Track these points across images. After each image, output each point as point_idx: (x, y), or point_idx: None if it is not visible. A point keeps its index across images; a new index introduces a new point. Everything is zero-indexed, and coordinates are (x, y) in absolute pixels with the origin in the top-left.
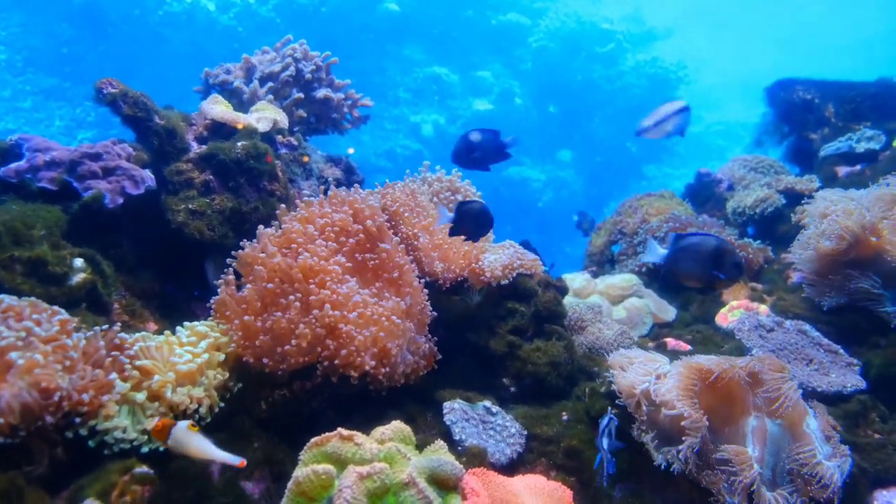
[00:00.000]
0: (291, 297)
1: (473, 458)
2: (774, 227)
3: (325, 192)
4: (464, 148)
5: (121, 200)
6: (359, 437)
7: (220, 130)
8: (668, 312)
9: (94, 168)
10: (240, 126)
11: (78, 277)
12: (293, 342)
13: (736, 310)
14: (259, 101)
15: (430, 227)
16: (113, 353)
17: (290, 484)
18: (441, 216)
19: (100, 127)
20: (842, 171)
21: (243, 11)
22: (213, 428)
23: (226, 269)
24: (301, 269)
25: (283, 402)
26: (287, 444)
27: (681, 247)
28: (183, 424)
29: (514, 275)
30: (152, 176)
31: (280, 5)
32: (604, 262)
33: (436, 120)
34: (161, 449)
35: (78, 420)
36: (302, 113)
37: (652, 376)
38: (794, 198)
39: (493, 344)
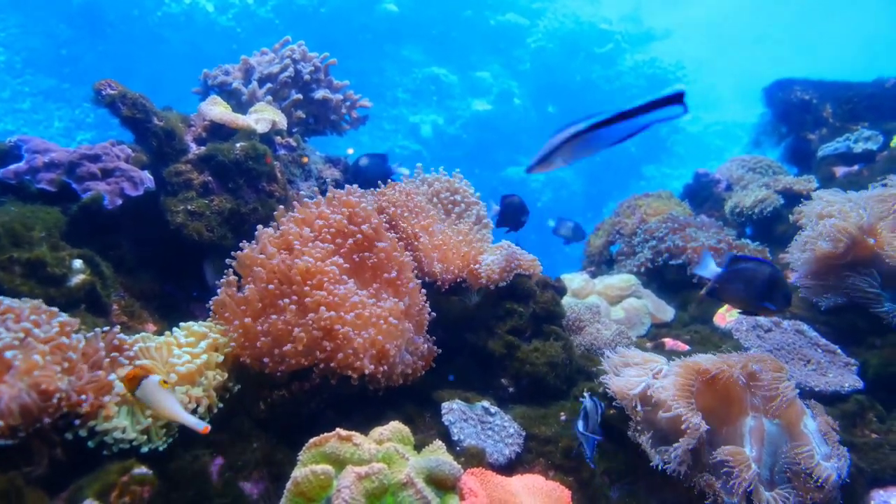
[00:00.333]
0: (286, 300)
1: (472, 458)
2: (772, 227)
3: (323, 193)
4: (353, 172)
5: (120, 202)
6: (357, 437)
7: (219, 132)
8: (667, 313)
9: (93, 169)
10: (239, 127)
11: (77, 278)
12: (289, 346)
13: (734, 310)
14: (258, 102)
15: (428, 228)
16: (112, 354)
17: (288, 484)
18: (489, 210)
19: (99, 128)
20: (839, 171)
21: (242, 12)
22: (213, 428)
23: (226, 271)
24: (298, 271)
25: (281, 403)
26: (286, 445)
27: (736, 269)
28: (155, 378)
29: (513, 275)
30: (151, 177)
31: (279, 6)
32: (602, 263)
33: (434, 120)
34: (160, 449)
35: (77, 421)
36: (301, 114)
37: (647, 377)
38: (793, 198)
39: (491, 344)
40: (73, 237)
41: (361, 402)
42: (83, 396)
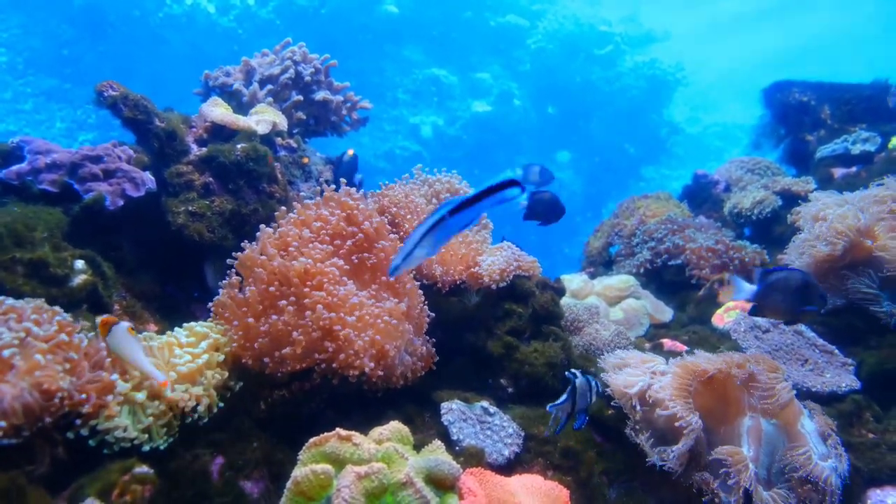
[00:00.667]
0: (284, 302)
1: (471, 457)
2: (771, 228)
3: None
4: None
5: (121, 202)
6: (357, 437)
7: (220, 133)
8: (665, 313)
9: (94, 170)
10: (240, 128)
11: (79, 279)
12: (287, 349)
13: (732, 310)
14: (258, 103)
15: None
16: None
17: (288, 483)
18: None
19: (100, 129)
20: (838, 172)
21: (243, 13)
22: (213, 428)
23: (227, 272)
24: (296, 272)
25: (282, 403)
26: (286, 444)
27: (770, 283)
28: (124, 324)
29: (512, 276)
30: (152, 178)
31: (280, 7)
32: (601, 264)
33: (435, 121)
34: (161, 448)
35: (79, 420)
36: (301, 115)
37: (646, 376)
38: (791, 199)
39: (490, 345)
40: (75, 238)
41: (361, 402)
42: (84, 396)
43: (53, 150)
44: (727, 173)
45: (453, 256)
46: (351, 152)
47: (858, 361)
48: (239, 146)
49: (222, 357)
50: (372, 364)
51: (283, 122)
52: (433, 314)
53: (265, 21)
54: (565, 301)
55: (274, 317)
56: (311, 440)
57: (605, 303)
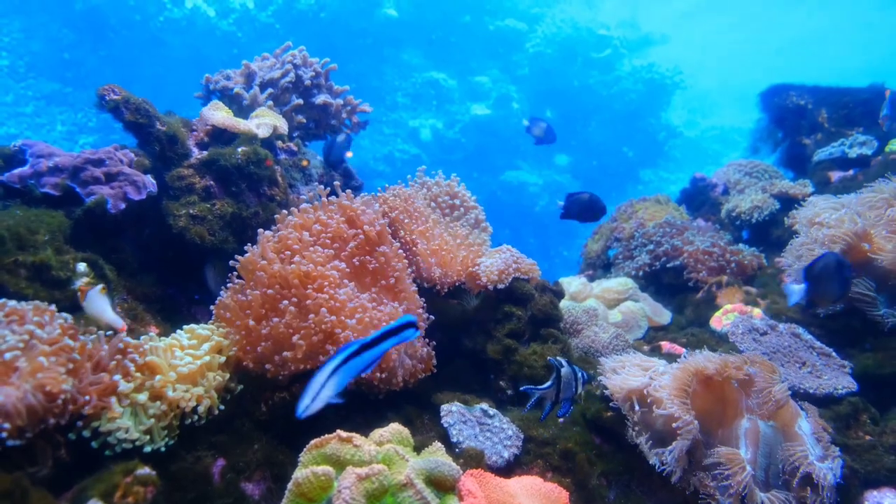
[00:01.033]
0: (286, 303)
1: (470, 459)
2: (769, 231)
3: (330, 195)
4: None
5: (123, 205)
6: (357, 438)
7: (221, 136)
8: (664, 316)
9: (96, 173)
10: (240, 132)
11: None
12: (288, 353)
13: (730, 313)
14: (259, 106)
15: (426, 233)
16: (118, 356)
17: (289, 485)
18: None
19: (101, 132)
20: (835, 175)
21: (243, 17)
22: (215, 430)
23: (229, 275)
24: (297, 275)
25: (283, 405)
26: (287, 446)
27: (814, 276)
28: (97, 288)
29: (511, 279)
30: (154, 181)
31: (279, 11)
32: (600, 267)
33: (434, 124)
34: (163, 450)
35: (80, 422)
36: (301, 118)
37: (644, 376)
38: (788, 202)
39: (489, 347)
40: (77, 241)
41: (361, 404)
42: (87, 398)
43: (55, 153)
44: (725, 176)
45: (452, 258)
46: (349, 155)
47: (856, 364)
48: (240, 149)
49: (223, 359)
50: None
51: (283, 126)
52: (433, 317)
53: (265, 25)
54: (564, 304)
55: (275, 319)
56: (312, 442)
57: (604, 305)
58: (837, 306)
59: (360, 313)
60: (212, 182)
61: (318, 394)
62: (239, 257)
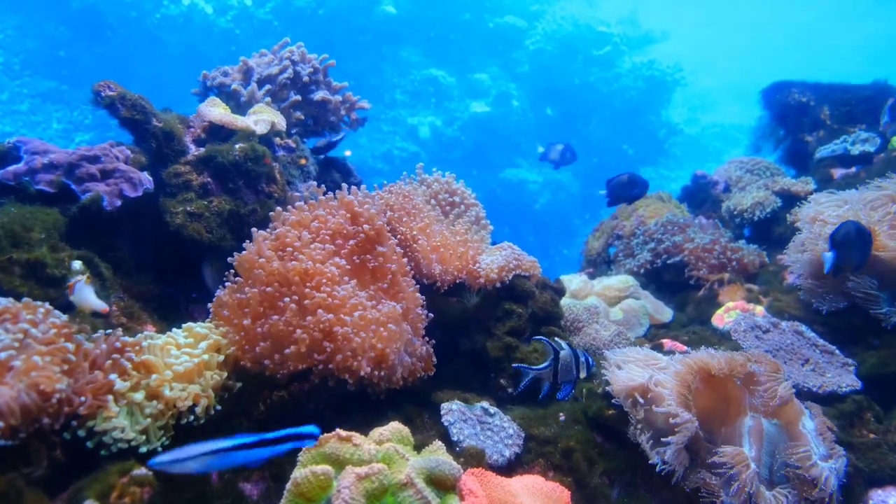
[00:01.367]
0: (287, 300)
1: (471, 458)
2: (770, 228)
3: (328, 192)
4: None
5: (119, 203)
6: (357, 437)
7: (218, 133)
8: (665, 313)
9: (92, 170)
10: (238, 128)
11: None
12: (291, 348)
13: (732, 311)
14: (257, 103)
15: (426, 229)
16: (114, 355)
17: (288, 485)
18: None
19: (97, 129)
20: (837, 173)
21: (241, 14)
22: (212, 429)
23: (226, 273)
24: (297, 273)
25: (281, 404)
26: None
27: (839, 244)
28: (82, 278)
29: (511, 276)
30: (150, 178)
31: (277, 8)
32: (601, 264)
33: (433, 122)
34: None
35: (75, 422)
36: (299, 115)
37: (647, 372)
38: (790, 199)
39: (490, 345)
40: (73, 238)
41: (361, 403)
42: (83, 398)
43: (50, 150)
44: (726, 174)
45: (452, 255)
46: (348, 153)
47: (859, 362)
48: (237, 146)
49: (222, 358)
50: (369, 368)
51: (281, 122)
52: (432, 315)
53: (263, 22)
54: (565, 301)
55: (274, 317)
56: None
57: (605, 303)
58: (840, 303)
59: (360, 311)
60: (209, 179)
61: (183, 461)
62: (237, 255)
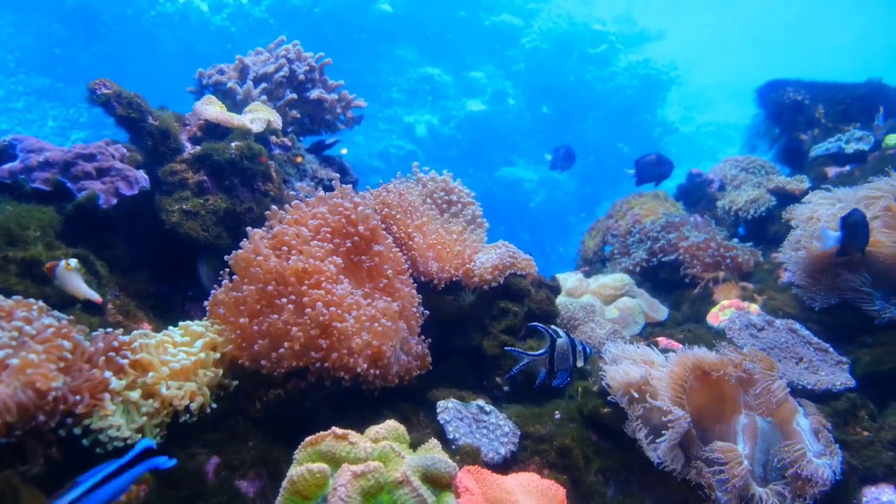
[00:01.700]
0: (285, 300)
1: (467, 456)
2: (765, 226)
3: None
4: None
5: (115, 201)
6: (353, 435)
7: (214, 131)
8: (660, 312)
9: (87, 168)
10: (234, 126)
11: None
12: (286, 345)
13: (727, 309)
14: (253, 101)
15: (422, 227)
16: (110, 353)
17: (284, 483)
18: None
19: (93, 127)
20: (831, 171)
21: (236, 12)
22: (209, 427)
23: (221, 271)
24: (293, 272)
25: (277, 402)
26: (282, 444)
27: (849, 226)
28: (61, 263)
29: (507, 275)
30: (146, 176)
31: (273, 6)
32: (596, 262)
33: (429, 120)
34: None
35: (70, 420)
36: (295, 114)
37: (644, 370)
38: (785, 198)
39: (486, 343)
40: (68, 236)
41: (357, 401)
42: (79, 397)
43: (46, 148)
44: (722, 172)
45: (448, 253)
46: (345, 151)
47: (853, 360)
48: (233, 144)
49: (218, 356)
50: (365, 365)
51: (277, 121)
52: (428, 312)
53: (258, 20)
54: (561, 300)
55: (273, 316)
56: (307, 439)
57: (601, 301)
58: (832, 300)
59: (356, 309)
60: (205, 177)
61: None
62: (234, 253)
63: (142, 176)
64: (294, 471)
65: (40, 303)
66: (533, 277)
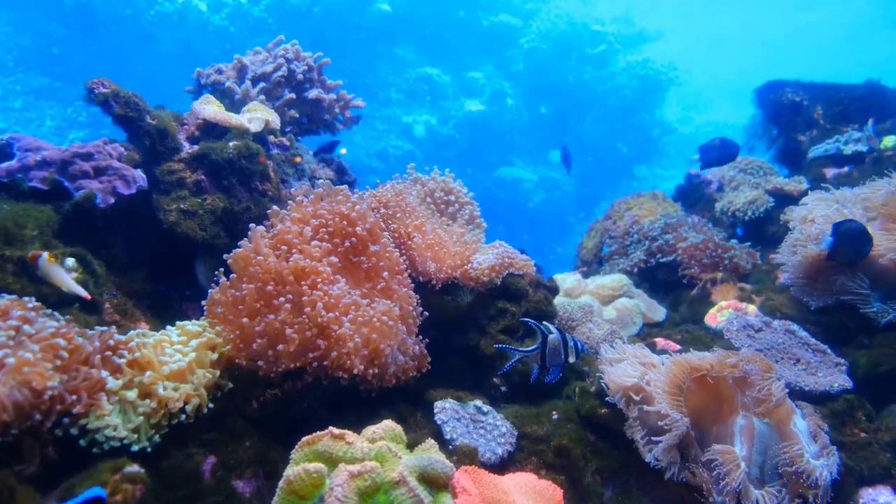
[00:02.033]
0: (282, 299)
1: (464, 456)
2: (763, 227)
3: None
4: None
5: (112, 200)
6: (350, 435)
7: (212, 130)
8: (658, 312)
9: (85, 168)
10: (232, 126)
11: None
12: (282, 346)
13: (725, 310)
14: (251, 101)
15: (421, 227)
16: (107, 353)
17: (281, 483)
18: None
19: (91, 127)
20: (830, 172)
21: (235, 11)
22: (205, 427)
23: (218, 270)
24: (292, 271)
25: (274, 402)
26: (279, 443)
27: (840, 235)
28: (45, 254)
29: (504, 275)
30: (144, 176)
31: (272, 5)
32: (594, 263)
33: (427, 120)
34: (149, 450)
35: (66, 420)
36: (294, 113)
37: (641, 371)
38: (783, 199)
39: (483, 344)
40: (66, 235)
41: (354, 401)
42: (75, 397)
43: (43, 147)
44: (720, 173)
45: (446, 253)
46: (344, 151)
47: (851, 361)
48: (231, 144)
49: (215, 356)
50: (363, 366)
51: (275, 120)
52: (426, 313)
53: (257, 19)
54: (559, 300)
55: (270, 316)
56: (304, 439)
57: (599, 302)
58: (829, 300)
59: (354, 310)
60: (203, 176)
61: None
62: (235, 252)
63: (139, 175)
64: (291, 470)
65: (38, 304)
66: (531, 278)
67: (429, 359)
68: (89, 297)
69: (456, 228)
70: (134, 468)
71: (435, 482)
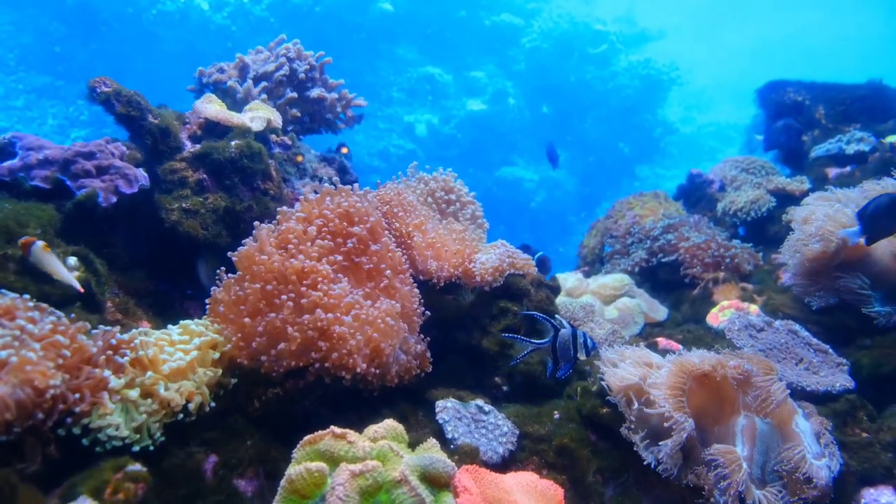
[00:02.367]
0: (284, 298)
1: (465, 456)
2: (765, 227)
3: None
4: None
5: (114, 199)
6: (351, 435)
7: (214, 129)
8: (660, 312)
9: (87, 167)
10: (234, 125)
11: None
12: (282, 345)
13: (727, 310)
14: (253, 100)
15: (421, 226)
16: (108, 352)
17: (282, 482)
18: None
19: (93, 126)
20: (832, 172)
21: (237, 11)
22: (207, 426)
23: (220, 269)
24: (294, 270)
25: (276, 401)
26: (280, 443)
27: (869, 215)
28: (39, 243)
29: (506, 274)
30: (146, 175)
31: (274, 5)
32: (596, 263)
33: (429, 120)
34: (151, 448)
35: (70, 419)
36: (296, 112)
37: (642, 372)
38: (785, 198)
39: (485, 343)
40: (68, 234)
41: (356, 401)
42: (77, 395)
43: (45, 146)
44: (722, 172)
45: (448, 252)
46: (345, 150)
47: (853, 361)
48: (233, 143)
49: (217, 355)
50: (364, 365)
51: (277, 119)
52: (428, 312)
53: (259, 19)
54: (560, 300)
55: (271, 315)
56: (306, 438)
57: (600, 301)
58: (830, 300)
59: (356, 309)
60: (205, 176)
61: None
62: (240, 249)
63: (141, 174)
64: (292, 470)
65: (42, 304)
66: (532, 277)
67: (431, 358)
68: (82, 289)
69: (457, 227)
70: (136, 467)
71: (436, 481)
